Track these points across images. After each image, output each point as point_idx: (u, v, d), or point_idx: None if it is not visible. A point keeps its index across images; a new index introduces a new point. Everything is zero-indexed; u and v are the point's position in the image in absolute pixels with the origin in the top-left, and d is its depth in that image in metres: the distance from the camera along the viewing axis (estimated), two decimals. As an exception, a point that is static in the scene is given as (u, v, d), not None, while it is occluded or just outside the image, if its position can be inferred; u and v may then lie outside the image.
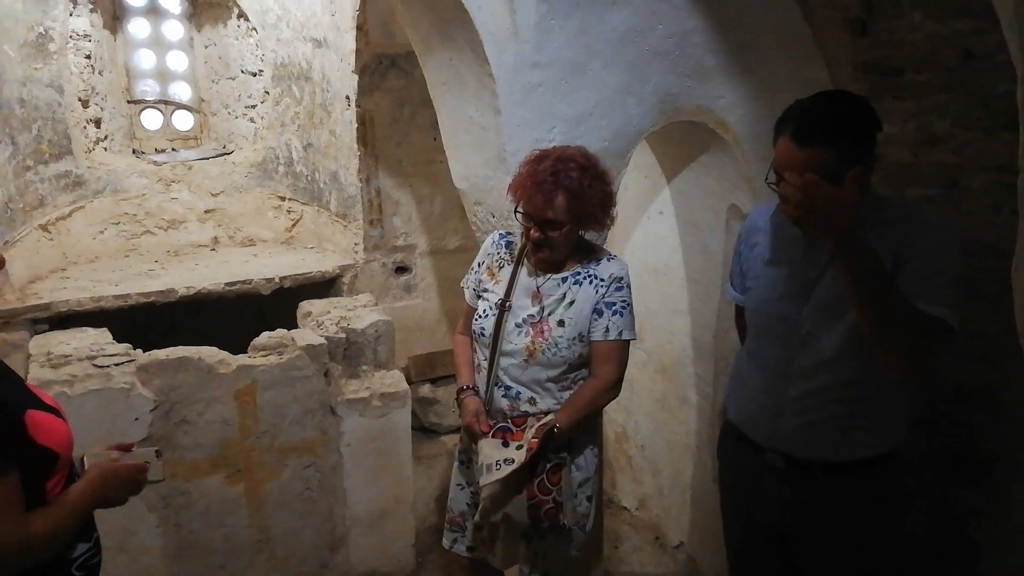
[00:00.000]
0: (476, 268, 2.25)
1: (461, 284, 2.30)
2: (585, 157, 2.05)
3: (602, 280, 2.07)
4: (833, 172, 1.57)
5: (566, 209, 1.99)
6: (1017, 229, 1.32)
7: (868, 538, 1.78)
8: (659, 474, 3.32)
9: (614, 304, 2.07)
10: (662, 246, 3.08)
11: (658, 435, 3.30)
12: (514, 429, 2.08)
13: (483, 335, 2.12)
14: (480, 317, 2.15)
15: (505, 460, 2.00)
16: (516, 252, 2.17)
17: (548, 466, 2.03)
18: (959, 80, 2.10)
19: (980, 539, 2.24)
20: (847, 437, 1.76)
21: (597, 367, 2.09)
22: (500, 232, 2.28)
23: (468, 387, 2.18)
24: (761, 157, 2.40)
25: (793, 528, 1.85)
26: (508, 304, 2.10)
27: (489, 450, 2.04)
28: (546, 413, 2.06)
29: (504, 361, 2.09)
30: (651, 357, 3.26)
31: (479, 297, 2.20)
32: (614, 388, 2.11)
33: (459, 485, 2.29)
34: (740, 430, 1.93)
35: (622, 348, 2.10)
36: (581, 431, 2.12)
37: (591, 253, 2.14)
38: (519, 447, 2.01)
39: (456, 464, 2.30)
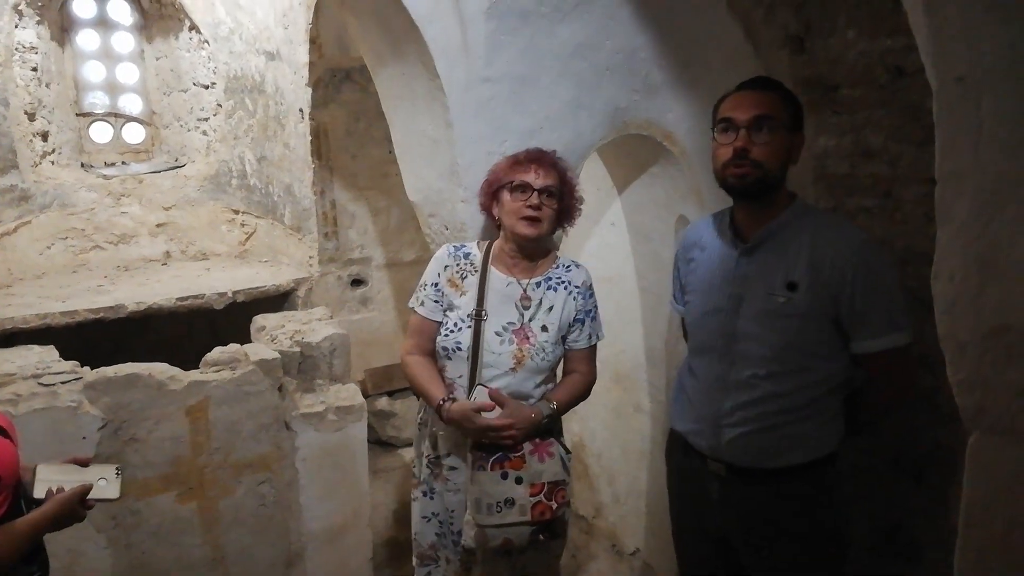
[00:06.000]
0: (429, 284, 2.15)
1: (410, 304, 2.21)
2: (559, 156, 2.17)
3: (577, 288, 2.11)
4: (783, 116, 1.71)
5: (559, 184, 2.05)
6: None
7: (811, 540, 1.83)
8: (615, 482, 3.36)
9: (591, 311, 2.14)
10: (614, 256, 3.13)
11: (614, 443, 3.34)
12: (511, 456, 1.99)
13: (459, 349, 2.04)
14: (452, 332, 2.07)
15: (506, 501, 1.95)
16: (478, 261, 2.12)
17: (555, 490, 2.01)
18: (891, 95, 2.19)
19: (920, 540, 2.31)
20: (784, 445, 1.80)
21: (577, 367, 2.15)
22: (451, 245, 2.23)
23: (446, 399, 2.04)
24: (707, 169, 2.44)
25: (739, 534, 1.89)
26: (484, 313, 2.04)
27: (489, 486, 1.97)
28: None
29: (488, 372, 2.02)
30: (606, 366, 3.28)
31: (445, 312, 2.12)
32: (592, 385, 2.20)
33: (425, 517, 2.22)
34: (685, 439, 1.97)
35: (596, 348, 2.19)
36: (558, 432, 2.14)
37: (557, 257, 2.18)
38: (519, 480, 1.97)
39: (419, 496, 2.24)
